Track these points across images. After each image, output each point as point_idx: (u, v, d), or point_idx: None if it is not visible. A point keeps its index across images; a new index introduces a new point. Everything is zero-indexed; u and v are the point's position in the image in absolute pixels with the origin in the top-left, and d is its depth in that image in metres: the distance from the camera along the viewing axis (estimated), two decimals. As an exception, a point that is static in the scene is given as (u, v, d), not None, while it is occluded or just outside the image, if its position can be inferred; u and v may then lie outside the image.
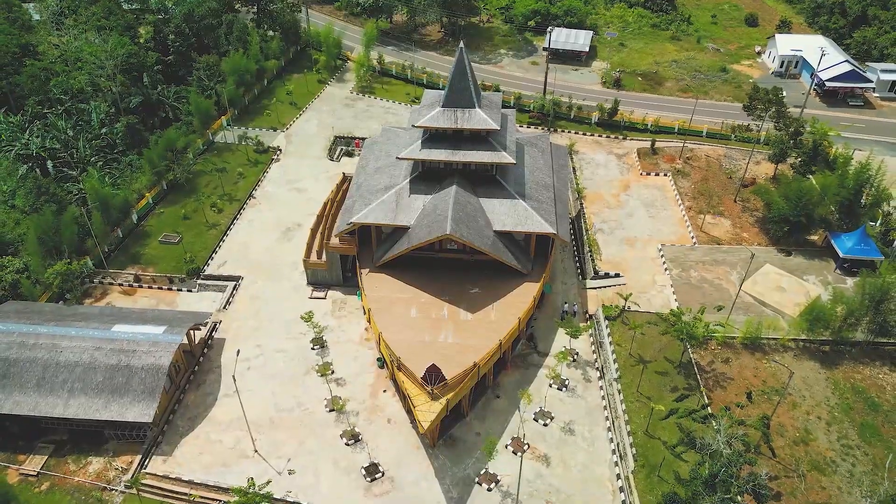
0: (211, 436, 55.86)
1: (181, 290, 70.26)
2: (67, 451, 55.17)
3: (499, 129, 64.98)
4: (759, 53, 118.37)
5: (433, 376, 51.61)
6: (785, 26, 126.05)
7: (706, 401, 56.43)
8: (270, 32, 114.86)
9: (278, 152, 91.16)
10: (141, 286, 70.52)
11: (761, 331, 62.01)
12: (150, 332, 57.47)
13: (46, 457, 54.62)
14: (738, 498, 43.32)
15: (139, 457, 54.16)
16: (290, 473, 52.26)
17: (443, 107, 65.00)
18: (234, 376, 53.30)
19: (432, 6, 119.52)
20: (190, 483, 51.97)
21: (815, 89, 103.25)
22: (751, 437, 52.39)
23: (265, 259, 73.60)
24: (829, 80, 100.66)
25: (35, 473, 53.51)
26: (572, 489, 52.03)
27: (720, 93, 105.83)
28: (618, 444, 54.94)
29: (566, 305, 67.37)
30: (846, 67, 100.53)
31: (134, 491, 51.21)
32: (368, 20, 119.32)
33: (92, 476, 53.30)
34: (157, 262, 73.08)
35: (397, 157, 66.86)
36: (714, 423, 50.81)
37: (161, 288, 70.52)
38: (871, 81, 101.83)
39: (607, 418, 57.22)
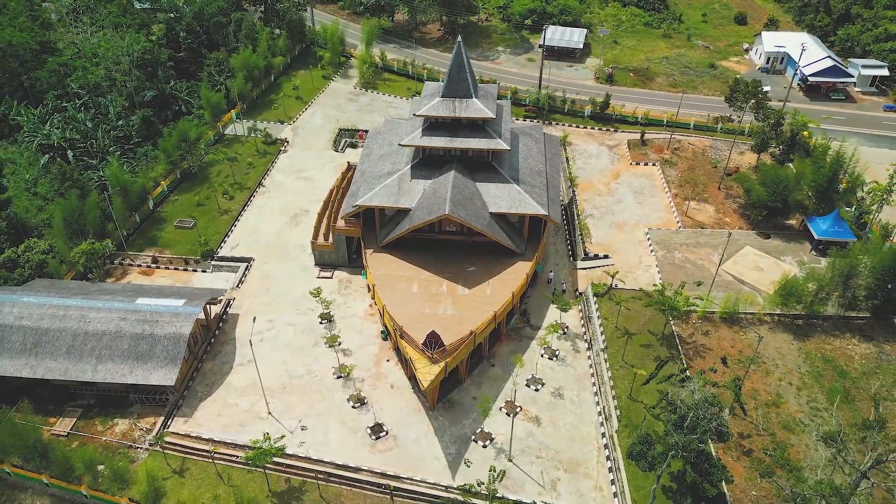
0: (228, 399, 60.35)
1: (196, 271, 74.73)
2: (95, 413, 59.52)
3: (494, 117, 69.39)
4: (746, 50, 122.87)
5: (433, 342, 56.02)
6: (772, 24, 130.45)
7: (684, 366, 60.86)
8: (277, 30, 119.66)
9: (286, 144, 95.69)
10: (158, 267, 75.07)
11: (738, 306, 66.48)
12: (171, 305, 61.96)
13: (75, 419, 59.00)
14: (707, 437, 47.84)
15: (162, 418, 58.65)
16: (302, 429, 56.81)
17: (442, 97, 69.47)
18: (250, 340, 57.78)
19: (432, 5, 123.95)
20: (210, 440, 56.50)
21: (798, 84, 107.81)
22: (725, 400, 56.69)
23: (275, 242, 78.07)
24: (811, 74, 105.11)
25: (65, 434, 57.92)
26: (561, 446, 56.54)
27: (709, 88, 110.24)
28: (603, 407, 59.40)
29: (551, 274, 71.96)
30: (828, 63, 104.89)
31: (158, 448, 55.76)
32: (370, 18, 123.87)
33: (118, 436, 57.75)
34: (173, 245, 77.60)
35: (399, 144, 71.37)
36: (690, 385, 55.13)
37: (177, 269, 75.04)
38: (853, 76, 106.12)
39: (594, 384, 61.71)
